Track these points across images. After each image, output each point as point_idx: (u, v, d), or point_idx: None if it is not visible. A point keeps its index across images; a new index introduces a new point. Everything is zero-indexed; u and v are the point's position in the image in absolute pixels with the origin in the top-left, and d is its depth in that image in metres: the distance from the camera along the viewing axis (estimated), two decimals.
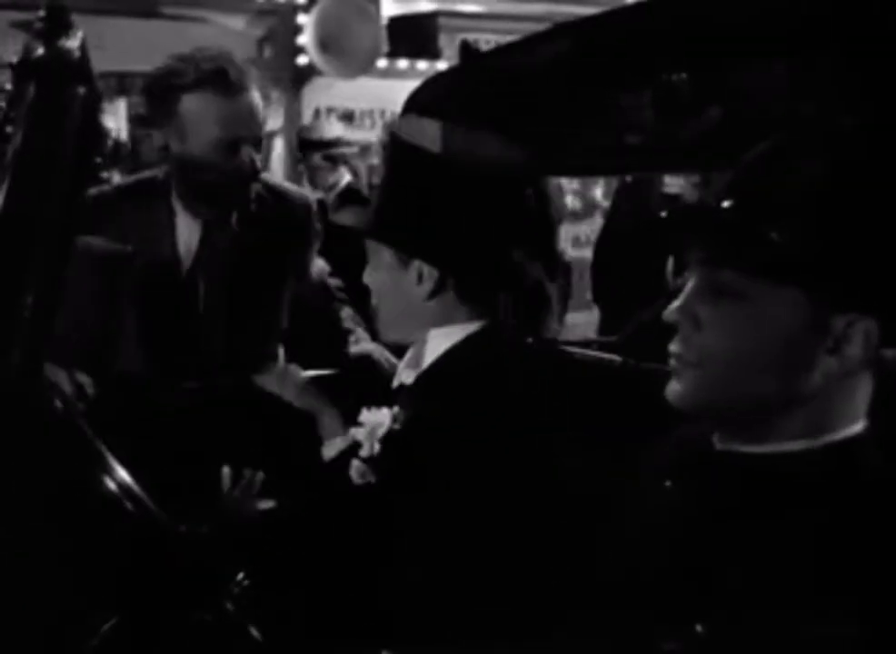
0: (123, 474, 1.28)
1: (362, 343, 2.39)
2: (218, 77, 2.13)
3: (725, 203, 1.07)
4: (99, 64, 1.28)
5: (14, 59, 1.23)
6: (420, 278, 1.64)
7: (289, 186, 2.57)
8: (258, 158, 2.22)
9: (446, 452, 1.49)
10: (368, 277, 1.73)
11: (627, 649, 1.06)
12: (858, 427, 1.06)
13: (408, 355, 1.71)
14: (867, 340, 1.02)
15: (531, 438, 1.51)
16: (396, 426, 1.59)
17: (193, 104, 2.14)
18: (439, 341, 1.65)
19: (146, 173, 2.37)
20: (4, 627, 1.21)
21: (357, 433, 1.62)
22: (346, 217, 1.92)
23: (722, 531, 1.05)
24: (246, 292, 2.32)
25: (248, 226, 2.32)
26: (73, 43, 1.23)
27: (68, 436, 1.29)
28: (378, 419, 1.61)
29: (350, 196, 4.80)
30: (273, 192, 2.40)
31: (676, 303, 1.10)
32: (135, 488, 1.27)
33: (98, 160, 1.33)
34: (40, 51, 1.22)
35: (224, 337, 2.31)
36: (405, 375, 1.70)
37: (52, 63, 1.22)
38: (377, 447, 1.59)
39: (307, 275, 2.52)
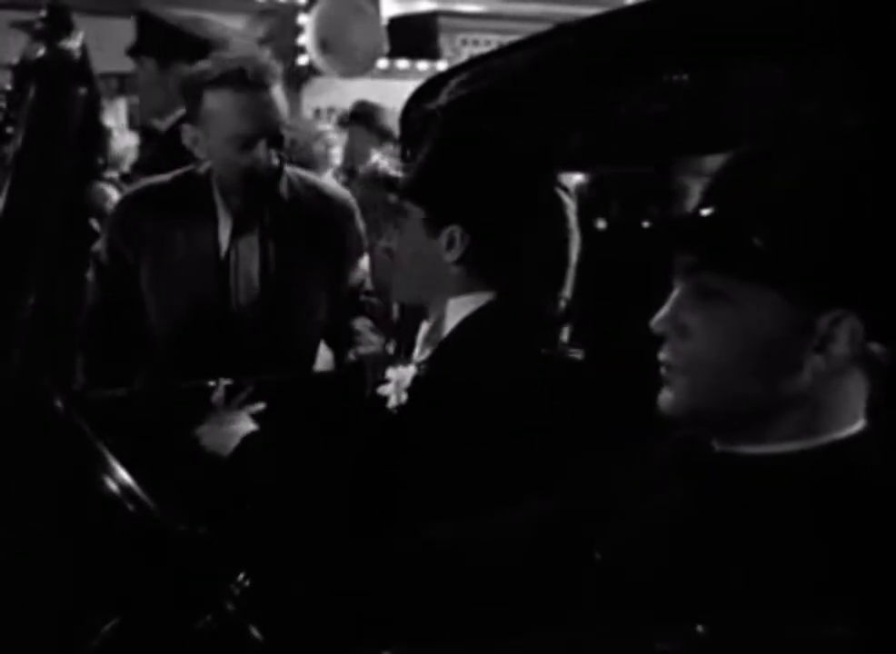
0: (123, 474, 1.28)
1: (361, 347, 2.40)
2: (237, 74, 2.20)
3: (707, 211, 1.08)
4: (99, 64, 1.29)
5: (15, 59, 1.23)
6: (450, 243, 1.68)
7: (330, 184, 2.58)
8: (275, 154, 2.26)
9: (460, 405, 1.55)
10: (393, 243, 1.80)
11: (625, 649, 1.06)
12: (856, 427, 1.07)
13: (425, 329, 1.76)
14: (852, 336, 1.02)
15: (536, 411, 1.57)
16: (419, 374, 1.64)
17: (214, 100, 2.22)
18: (456, 311, 1.70)
19: (185, 169, 2.41)
20: (4, 627, 1.21)
21: (384, 389, 1.67)
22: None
23: (722, 532, 1.06)
24: (280, 286, 2.35)
25: (281, 220, 2.36)
26: (73, 43, 1.23)
27: (68, 436, 1.29)
28: (403, 373, 1.65)
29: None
30: (311, 188, 2.44)
31: (662, 312, 1.10)
32: (135, 488, 1.28)
33: (98, 160, 1.34)
34: (40, 51, 1.22)
35: (260, 332, 2.33)
36: (425, 352, 1.74)
37: (52, 63, 1.22)
38: (404, 397, 1.63)
39: (346, 279, 2.51)
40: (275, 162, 2.27)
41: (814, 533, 0.99)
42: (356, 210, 2.51)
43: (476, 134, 1.71)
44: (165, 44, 3.18)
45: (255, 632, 1.26)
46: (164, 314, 2.36)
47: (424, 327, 1.77)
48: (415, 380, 1.64)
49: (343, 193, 2.57)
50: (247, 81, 2.21)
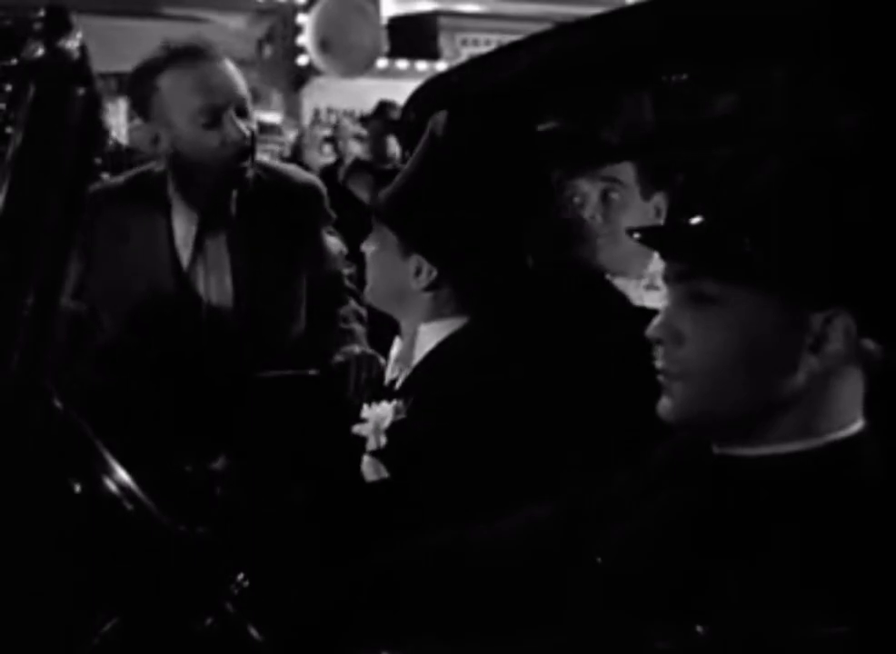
0: (123, 474, 1.28)
1: (347, 348, 2.29)
2: (187, 50, 2.12)
3: (695, 218, 1.08)
4: (99, 64, 1.28)
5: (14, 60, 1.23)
6: (418, 271, 1.66)
7: (291, 168, 2.45)
8: (245, 126, 2.14)
9: (451, 432, 1.54)
10: (368, 249, 1.75)
11: (625, 649, 1.06)
12: (855, 427, 1.07)
13: (396, 351, 1.75)
14: (846, 334, 1.03)
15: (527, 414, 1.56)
16: (400, 416, 1.62)
17: (167, 81, 2.11)
18: (429, 337, 1.69)
19: (140, 169, 2.27)
20: (4, 627, 1.21)
21: (361, 429, 1.65)
22: (358, 186, 1.91)
23: (721, 533, 1.06)
24: (253, 281, 2.23)
25: (248, 212, 2.23)
26: (73, 43, 1.23)
27: (68, 436, 1.29)
28: (381, 413, 1.63)
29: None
30: (274, 174, 2.31)
31: (657, 320, 1.11)
32: (135, 488, 1.28)
33: (98, 160, 1.34)
34: (40, 51, 1.22)
35: (236, 330, 2.22)
36: (397, 371, 1.73)
37: (52, 63, 1.22)
38: (383, 440, 1.62)
39: (322, 262, 2.38)
40: (247, 133, 2.13)
41: (813, 534, 0.99)
42: (324, 193, 2.37)
43: (458, 158, 1.63)
44: None
45: (255, 632, 1.26)
46: (122, 329, 2.22)
47: (397, 344, 1.76)
48: (396, 425, 1.61)
49: (305, 174, 2.45)
50: (199, 52, 2.11)
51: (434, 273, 1.65)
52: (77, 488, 1.27)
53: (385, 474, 1.62)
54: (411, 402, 1.63)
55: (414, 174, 1.68)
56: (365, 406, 1.67)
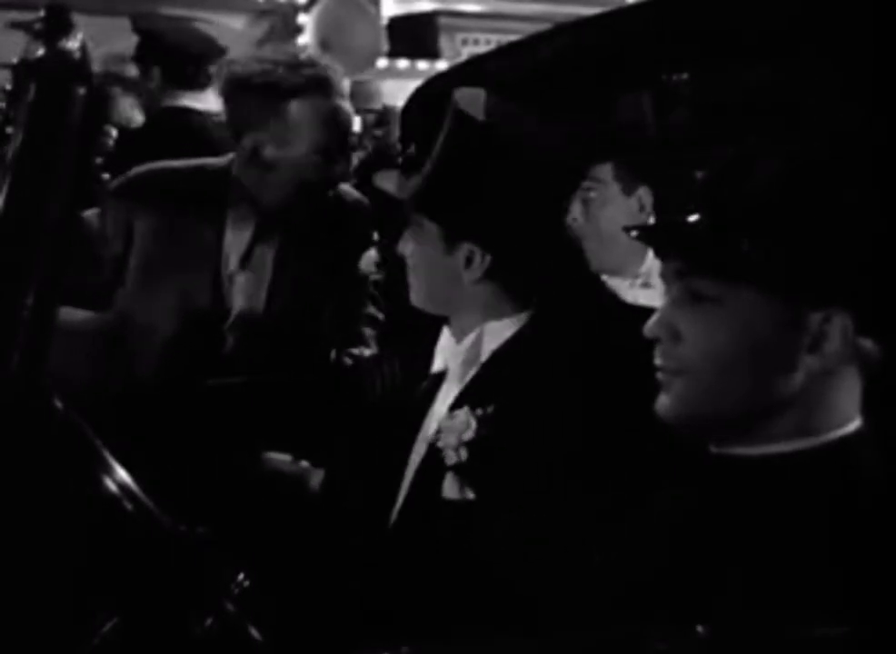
0: (123, 474, 1.28)
1: (356, 350, 2.32)
2: (323, 82, 2.16)
3: (693, 216, 1.08)
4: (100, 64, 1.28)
5: (15, 59, 1.23)
6: (469, 261, 1.55)
7: (345, 188, 2.43)
8: (343, 166, 2.21)
9: (548, 445, 1.44)
10: (406, 249, 1.64)
11: (625, 649, 1.06)
12: (852, 426, 1.07)
13: (455, 346, 1.62)
14: (844, 334, 1.03)
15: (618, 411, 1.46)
16: (483, 431, 1.50)
17: (300, 109, 2.13)
18: (495, 335, 1.58)
19: (201, 162, 2.30)
20: (3, 627, 1.21)
21: (438, 442, 1.54)
22: (385, 182, 1.81)
23: (720, 533, 1.06)
24: (289, 298, 2.25)
25: (300, 228, 2.25)
26: (73, 43, 1.23)
27: (68, 436, 1.29)
28: (459, 425, 1.52)
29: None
30: (335, 196, 2.31)
31: (654, 317, 1.10)
32: (135, 488, 1.27)
33: (98, 160, 1.34)
34: (40, 51, 1.22)
35: (257, 341, 2.24)
36: (461, 370, 1.61)
37: (52, 63, 1.22)
38: (465, 454, 1.51)
39: (354, 287, 2.40)
40: (349, 170, 2.25)
41: (811, 533, 1.00)
42: (371, 213, 2.38)
43: (492, 138, 1.52)
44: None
45: (255, 632, 1.26)
46: (147, 319, 2.23)
47: (447, 338, 1.65)
48: (482, 441, 1.49)
49: (358, 196, 2.42)
50: (334, 89, 2.17)
51: (489, 259, 1.53)
52: (77, 488, 1.27)
53: (469, 494, 1.50)
54: (491, 413, 1.51)
55: (445, 161, 1.56)
56: (441, 418, 1.55)
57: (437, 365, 1.66)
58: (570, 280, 1.70)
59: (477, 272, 1.56)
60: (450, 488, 1.52)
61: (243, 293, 2.24)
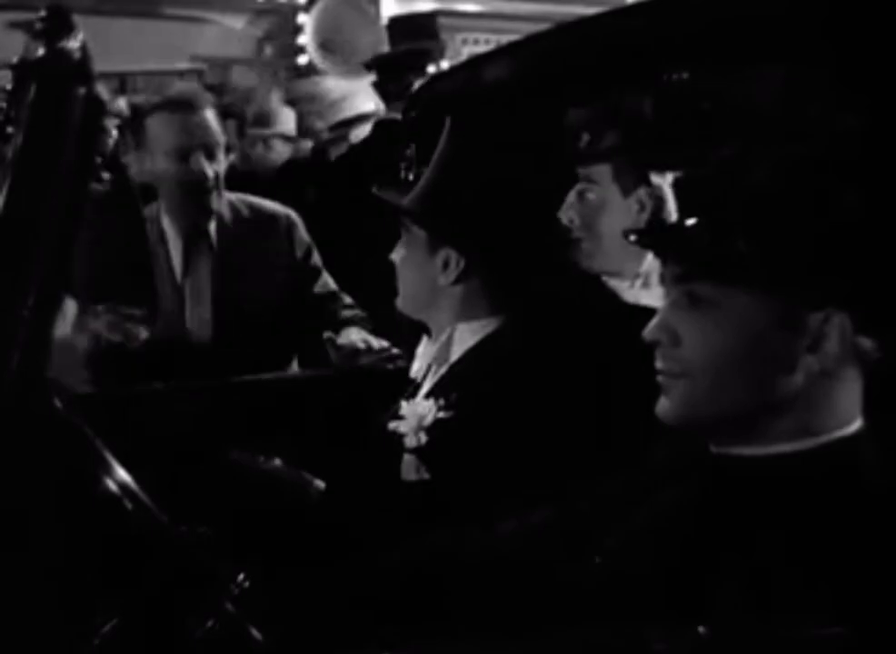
0: (123, 474, 1.28)
1: (341, 338, 2.42)
2: (172, 100, 2.50)
3: (690, 220, 1.08)
4: (99, 64, 1.28)
5: (15, 59, 1.23)
6: (445, 265, 1.66)
7: (267, 202, 2.74)
8: (211, 166, 2.46)
9: (503, 432, 1.53)
10: (397, 256, 1.75)
11: (625, 649, 1.06)
12: (853, 427, 1.07)
13: (424, 349, 1.73)
14: (843, 334, 1.03)
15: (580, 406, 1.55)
16: (442, 415, 1.60)
17: (154, 123, 2.50)
18: (466, 336, 1.67)
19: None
20: (3, 627, 1.21)
21: (399, 426, 1.63)
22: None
23: (720, 533, 1.06)
24: (231, 306, 2.48)
25: (228, 242, 2.54)
26: (73, 43, 1.23)
27: (68, 436, 1.29)
28: (420, 410, 1.62)
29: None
30: (251, 207, 2.63)
31: (654, 321, 1.11)
32: (135, 488, 1.27)
33: (98, 160, 1.34)
34: (40, 51, 1.22)
35: (214, 359, 2.44)
36: (424, 369, 1.72)
37: (52, 63, 1.22)
38: (424, 437, 1.60)
39: (311, 281, 2.64)
40: (210, 172, 2.46)
41: (812, 533, 1.00)
42: (299, 221, 2.67)
43: (482, 152, 1.64)
44: None
45: (255, 633, 1.26)
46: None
47: (426, 344, 1.74)
48: (439, 423, 1.59)
49: (282, 208, 2.72)
50: (179, 103, 2.48)
51: (462, 264, 1.64)
52: (77, 488, 1.27)
53: (426, 474, 1.59)
54: (453, 400, 1.61)
55: (436, 171, 1.67)
56: (403, 403, 1.65)
57: (414, 370, 1.76)
58: (556, 284, 1.75)
59: (452, 275, 1.66)
60: (407, 470, 1.60)
61: (189, 304, 2.50)
